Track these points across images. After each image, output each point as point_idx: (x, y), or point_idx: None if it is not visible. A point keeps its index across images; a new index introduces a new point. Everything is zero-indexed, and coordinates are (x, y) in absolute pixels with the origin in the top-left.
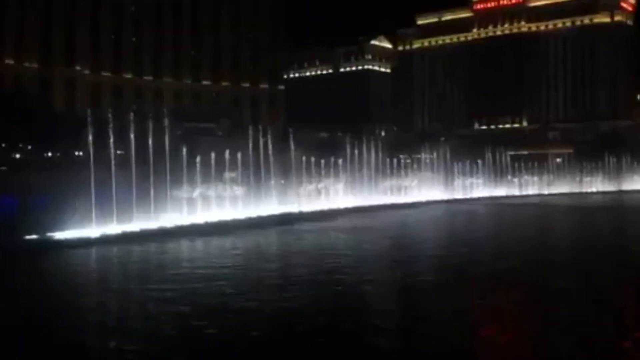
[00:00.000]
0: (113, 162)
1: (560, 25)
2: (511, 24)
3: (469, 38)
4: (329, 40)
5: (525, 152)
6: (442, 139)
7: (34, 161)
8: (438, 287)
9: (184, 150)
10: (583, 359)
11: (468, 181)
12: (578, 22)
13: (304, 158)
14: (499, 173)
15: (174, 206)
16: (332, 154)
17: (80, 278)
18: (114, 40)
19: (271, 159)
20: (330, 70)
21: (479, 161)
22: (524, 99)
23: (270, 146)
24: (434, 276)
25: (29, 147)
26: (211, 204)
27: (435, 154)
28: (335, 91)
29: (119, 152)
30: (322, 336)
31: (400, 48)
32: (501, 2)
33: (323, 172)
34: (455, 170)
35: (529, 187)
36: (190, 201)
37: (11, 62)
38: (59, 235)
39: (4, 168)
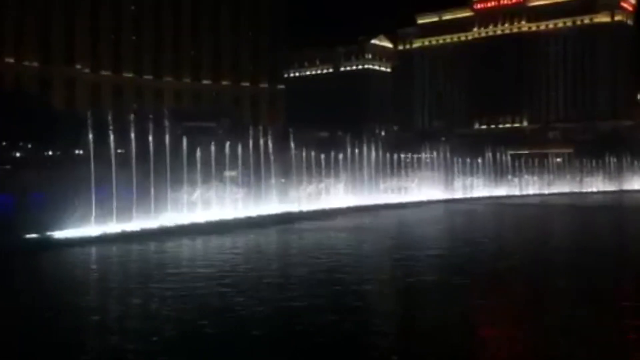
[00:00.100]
0: (113, 161)
1: (560, 25)
2: (511, 23)
3: (469, 38)
4: (329, 40)
5: (526, 152)
6: (443, 138)
7: (34, 160)
8: (439, 287)
9: (184, 149)
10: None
11: (468, 181)
12: (578, 22)
13: (304, 157)
14: (499, 173)
15: (174, 205)
16: (333, 154)
17: (79, 277)
18: (114, 39)
19: (271, 158)
20: (331, 70)
21: (479, 161)
22: (524, 98)
23: (270, 145)
24: (435, 276)
25: (29, 146)
26: (211, 203)
27: (435, 153)
28: (336, 91)
29: (119, 151)
30: (321, 336)
31: (401, 47)
32: (501, 2)
33: (323, 171)
34: (456, 169)
35: (529, 186)
36: (190, 200)
37: (11, 60)
38: (58, 234)
39: (8, 167)
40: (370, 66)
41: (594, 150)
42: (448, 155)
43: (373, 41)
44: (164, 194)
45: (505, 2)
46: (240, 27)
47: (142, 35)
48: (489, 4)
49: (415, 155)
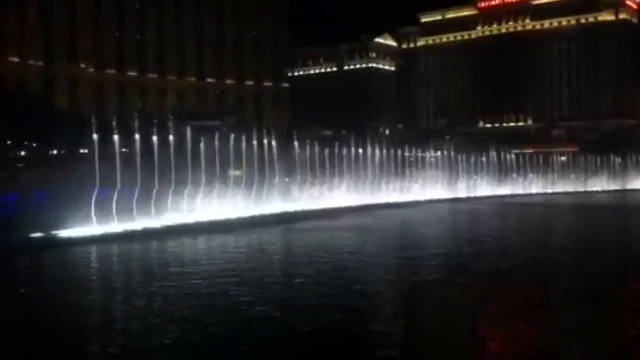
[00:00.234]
0: (117, 160)
1: (564, 23)
2: (515, 22)
3: (473, 36)
4: (331, 39)
5: (530, 151)
6: (447, 137)
7: (38, 159)
8: (444, 286)
9: (188, 148)
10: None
11: (472, 180)
12: (582, 20)
13: (307, 156)
14: (503, 171)
15: (177, 204)
16: (336, 152)
17: (83, 276)
18: (117, 38)
19: (275, 157)
20: (334, 68)
21: (483, 160)
22: (528, 97)
23: (274, 144)
24: (440, 275)
25: (33, 145)
26: (215, 202)
27: (439, 152)
28: (339, 89)
29: (123, 150)
30: (326, 336)
31: (405, 46)
32: (505, 0)
33: (327, 170)
34: (460, 168)
35: (533, 185)
36: (194, 199)
37: (15, 59)
38: (62, 233)
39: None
40: (374, 65)
41: (598, 149)
42: (452, 154)
43: (377, 39)
44: (166, 193)
45: (509, 0)
46: (244, 25)
47: (146, 34)
48: (492, 3)
49: (419, 154)
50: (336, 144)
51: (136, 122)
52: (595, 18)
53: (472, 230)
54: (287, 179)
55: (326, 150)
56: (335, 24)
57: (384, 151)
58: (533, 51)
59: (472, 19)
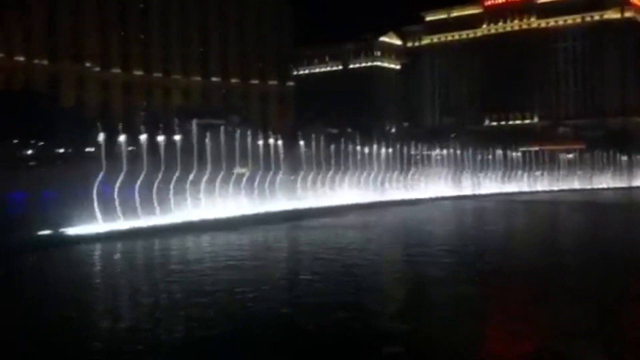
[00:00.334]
0: (124, 158)
1: (569, 21)
2: (520, 20)
3: (478, 34)
4: (336, 38)
5: (536, 148)
6: (453, 135)
7: (45, 158)
8: (451, 285)
9: (194, 146)
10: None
11: (478, 177)
12: (588, 19)
13: (312, 154)
14: (509, 169)
15: (182, 202)
16: (341, 151)
17: (91, 273)
18: (123, 37)
19: (280, 155)
20: (339, 67)
21: (489, 157)
22: (534, 95)
23: (279, 142)
24: (448, 275)
25: (39, 143)
26: (220, 199)
27: (445, 150)
28: (345, 88)
29: (130, 148)
30: (331, 335)
31: (410, 45)
32: None
33: (332, 168)
34: (465, 166)
35: (539, 183)
36: (199, 197)
37: (21, 59)
38: (70, 230)
39: (27, 164)
40: (379, 63)
41: (604, 147)
42: (458, 152)
43: (382, 38)
44: (172, 191)
45: None
46: (249, 24)
47: (151, 33)
48: (498, 1)
49: (424, 152)
50: (342, 140)
51: (142, 121)
52: (601, 16)
53: (481, 229)
54: (292, 177)
55: (332, 148)
56: (340, 23)
57: (390, 149)
58: (538, 49)
59: (477, 17)
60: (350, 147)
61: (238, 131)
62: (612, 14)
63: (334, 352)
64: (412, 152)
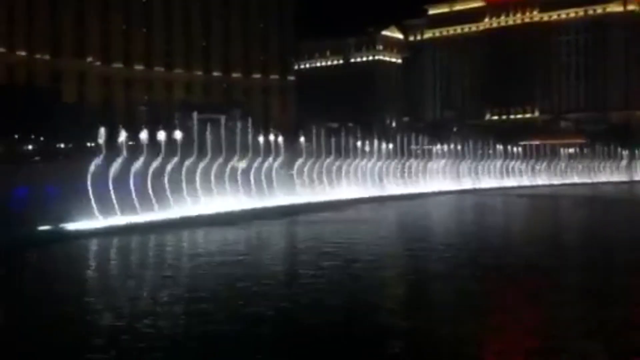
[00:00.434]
0: (124, 153)
1: (572, 15)
2: (523, 14)
3: (481, 28)
4: (337, 32)
5: (537, 142)
6: (454, 129)
7: (46, 153)
8: (453, 282)
9: (195, 140)
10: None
11: (479, 172)
12: (590, 12)
13: (313, 148)
14: (510, 163)
15: (180, 197)
16: (342, 144)
17: (87, 268)
18: (124, 31)
19: (280, 149)
20: (341, 61)
21: (490, 152)
22: (536, 89)
23: (279, 137)
24: (450, 271)
25: (41, 138)
26: (218, 194)
27: (446, 144)
28: (346, 82)
29: (130, 143)
30: (332, 333)
31: (411, 38)
32: None
33: (333, 162)
34: (466, 160)
35: (540, 177)
36: (196, 192)
37: (22, 53)
38: (70, 226)
39: (27, 159)
40: (381, 57)
41: (605, 141)
42: (459, 146)
43: (383, 32)
44: (170, 187)
45: None
46: (251, 19)
47: (153, 27)
48: None
49: (425, 146)
50: (342, 134)
51: (143, 116)
52: (604, 9)
53: (483, 224)
54: (291, 172)
55: (332, 142)
56: (341, 17)
57: (390, 143)
58: (541, 43)
59: (479, 11)
60: (351, 141)
61: (239, 124)
62: (615, 7)
63: (337, 346)
64: (413, 146)
